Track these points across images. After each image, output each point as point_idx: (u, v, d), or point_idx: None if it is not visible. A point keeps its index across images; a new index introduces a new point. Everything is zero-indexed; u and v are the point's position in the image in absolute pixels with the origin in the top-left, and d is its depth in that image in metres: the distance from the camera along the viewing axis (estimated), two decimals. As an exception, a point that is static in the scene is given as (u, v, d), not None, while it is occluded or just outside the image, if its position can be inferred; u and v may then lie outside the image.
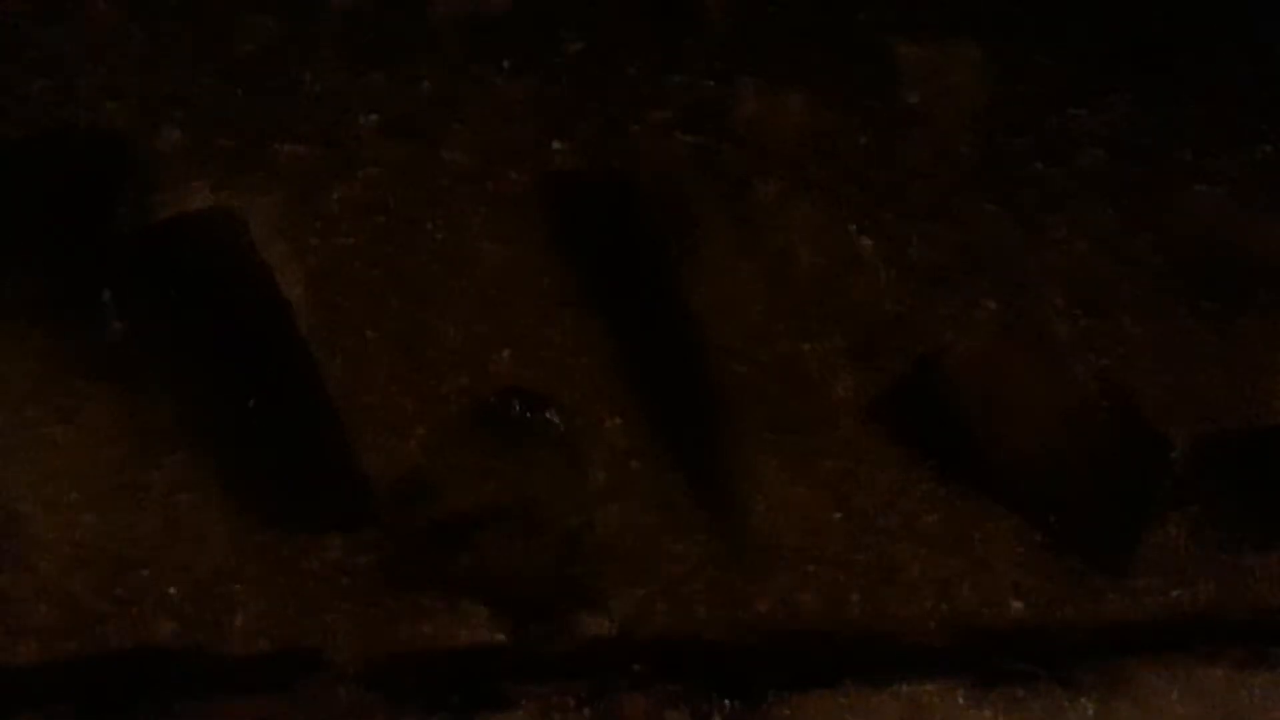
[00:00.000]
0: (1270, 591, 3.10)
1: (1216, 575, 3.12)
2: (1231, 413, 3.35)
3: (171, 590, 2.93)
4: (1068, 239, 3.58)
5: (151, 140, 3.46)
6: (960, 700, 2.81)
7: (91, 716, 2.71)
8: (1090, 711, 2.82)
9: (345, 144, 3.50)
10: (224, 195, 3.37)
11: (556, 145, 3.57)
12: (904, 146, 3.67)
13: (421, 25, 3.71)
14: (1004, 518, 3.16)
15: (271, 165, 3.44)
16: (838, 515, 3.13)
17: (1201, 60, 3.88)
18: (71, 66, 3.55)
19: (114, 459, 3.06)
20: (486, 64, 3.66)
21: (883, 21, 3.84)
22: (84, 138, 3.49)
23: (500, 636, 2.92)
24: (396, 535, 3.02)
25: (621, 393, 3.23)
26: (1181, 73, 3.85)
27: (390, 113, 3.56)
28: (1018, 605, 3.06)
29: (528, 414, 3.16)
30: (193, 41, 3.61)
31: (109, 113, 3.50)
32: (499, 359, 3.26)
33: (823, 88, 3.73)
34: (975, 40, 3.84)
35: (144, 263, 3.26)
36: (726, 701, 2.78)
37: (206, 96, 3.54)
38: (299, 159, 3.46)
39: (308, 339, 3.22)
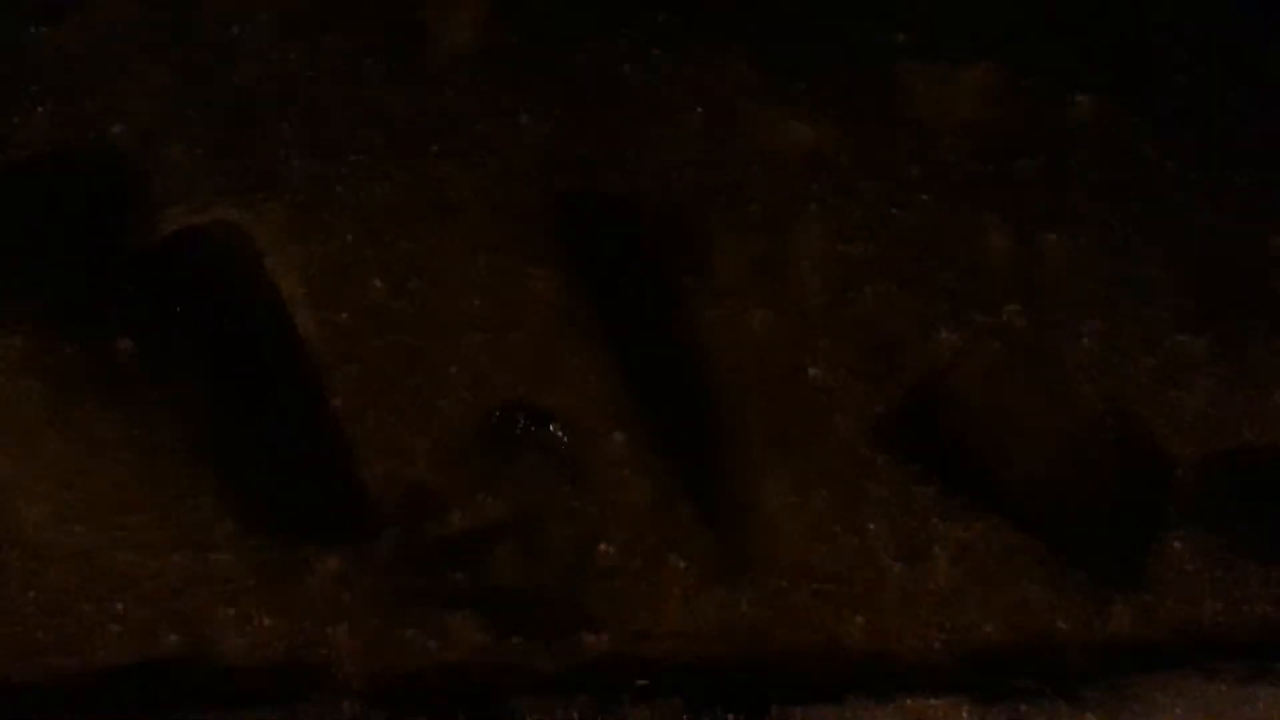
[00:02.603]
0: (1274, 608, 3.09)
1: (1221, 592, 3.11)
2: (1236, 432, 3.35)
3: (175, 605, 2.93)
4: (1072, 258, 3.58)
5: (156, 159, 3.47)
6: (964, 716, 2.81)
7: (92, 730, 2.70)
8: (1095, 727, 2.82)
9: (351, 160, 3.51)
10: (228, 211, 3.38)
11: (562, 164, 3.58)
12: (907, 165, 3.68)
13: (430, 46, 3.72)
14: (1009, 535, 3.15)
15: (276, 181, 3.46)
16: (842, 532, 3.13)
17: (1206, 81, 3.89)
18: (77, 90, 3.57)
19: (118, 473, 3.07)
20: (494, 83, 3.68)
21: (887, 40, 3.85)
22: (89, 157, 3.50)
23: (504, 652, 2.92)
24: (400, 550, 3.02)
25: (625, 409, 3.24)
26: (1186, 94, 3.85)
27: (397, 130, 3.57)
28: (1022, 622, 3.05)
29: (531, 429, 3.17)
30: (196, 61, 3.62)
31: (113, 133, 3.52)
32: (503, 375, 3.26)
33: (827, 106, 3.74)
34: (979, 58, 3.85)
35: (149, 278, 3.28)
36: (730, 716, 2.77)
37: (210, 114, 3.55)
38: (304, 175, 3.48)
39: (311, 354, 3.23)
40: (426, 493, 3.09)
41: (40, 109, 3.54)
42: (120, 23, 3.66)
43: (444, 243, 3.44)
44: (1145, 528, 3.20)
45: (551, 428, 3.18)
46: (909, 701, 2.81)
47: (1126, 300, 3.52)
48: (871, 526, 3.14)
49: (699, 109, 3.71)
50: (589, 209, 3.54)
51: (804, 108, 3.72)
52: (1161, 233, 3.62)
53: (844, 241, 3.52)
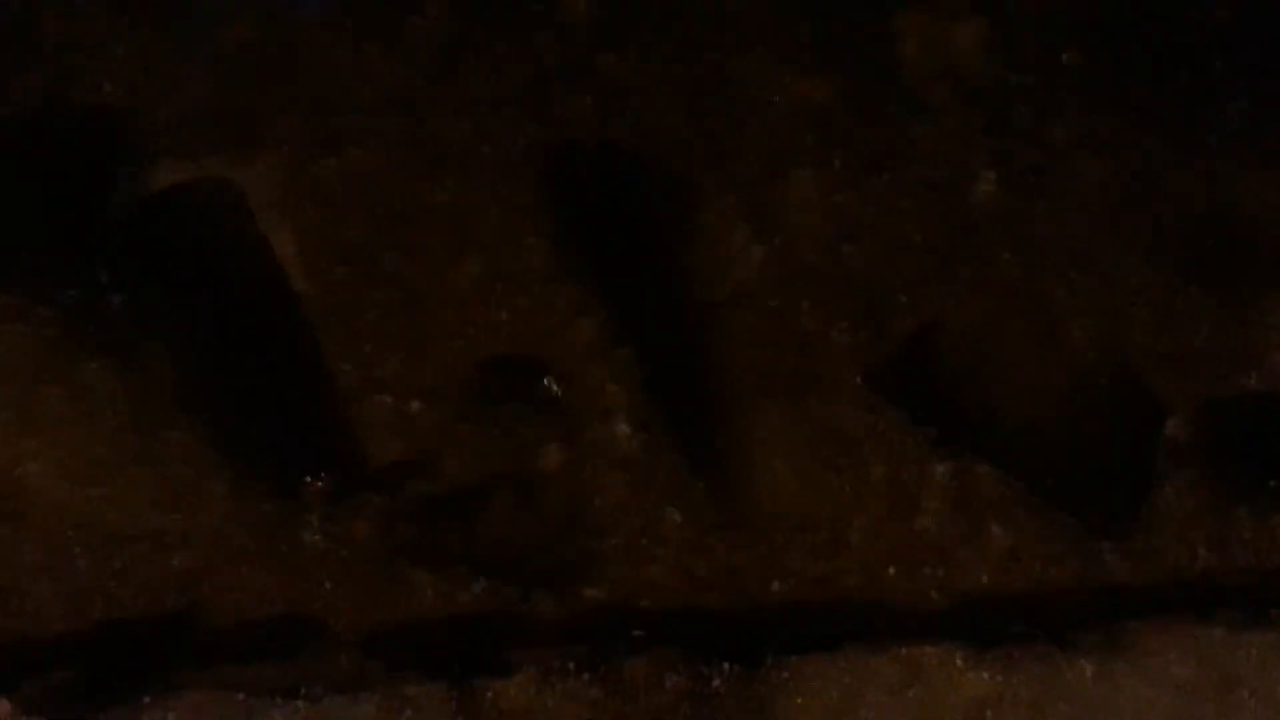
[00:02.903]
0: (1267, 553, 3.11)
1: (1214, 538, 3.12)
2: (1229, 377, 3.36)
3: (173, 561, 2.94)
4: (1065, 207, 3.58)
5: (146, 116, 3.47)
6: (959, 663, 2.81)
7: (94, 686, 2.71)
8: (1088, 673, 2.82)
9: (341, 113, 3.50)
10: (220, 167, 3.37)
11: (554, 116, 3.57)
12: (901, 115, 3.67)
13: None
14: (1003, 483, 3.16)
15: (267, 136, 3.45)
16: (836, 481, 3.14)
17: (1200, 27, 3.87)
18: (67, 47, 3.55)
19: (114, 431, 3.07)
20: (484, 33, 3.66)
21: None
22: (80, 116, 3.50)
23: (500, 604, 2.93)
24: (395, 504, 3.02)
25: (620, 359, 3.24)
26: (1179, 40, 3.84)
27: (386, 81, 3.56)
28: (1016, 568, 3.06)
29: (525, 382, 3.17)
30: (186, 18, 3.61)
31: (104, 90, 3.51)
32: (497, 326, 3.27)
33: (819, 57, 3.73)
34: (972, 9, 3.84)
35: (140, 235, 3.27)
36: (726, 665, 2.78)
37: (201, 71, 3.54)
38: (294, 129, 3.47)
39: (304, 309, 3.23)
40: (421, 446, 3.10)
41: (30, 67, 3.53)
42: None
43: (435, 196, 3.44)
44: (1139, 475, 3.21)
45: (545, 380, 3.18)
46: (903, 650, 2.81)
47: (1119, 249, 3.52)
48: (866, 476, 3.15)
49: (691, 60, 3.70)
50: (581, 160, 3.53)
51: (796, 59, 3.71)
52: (1154, 182, 3.62)
53: (836, 192, 3.52)
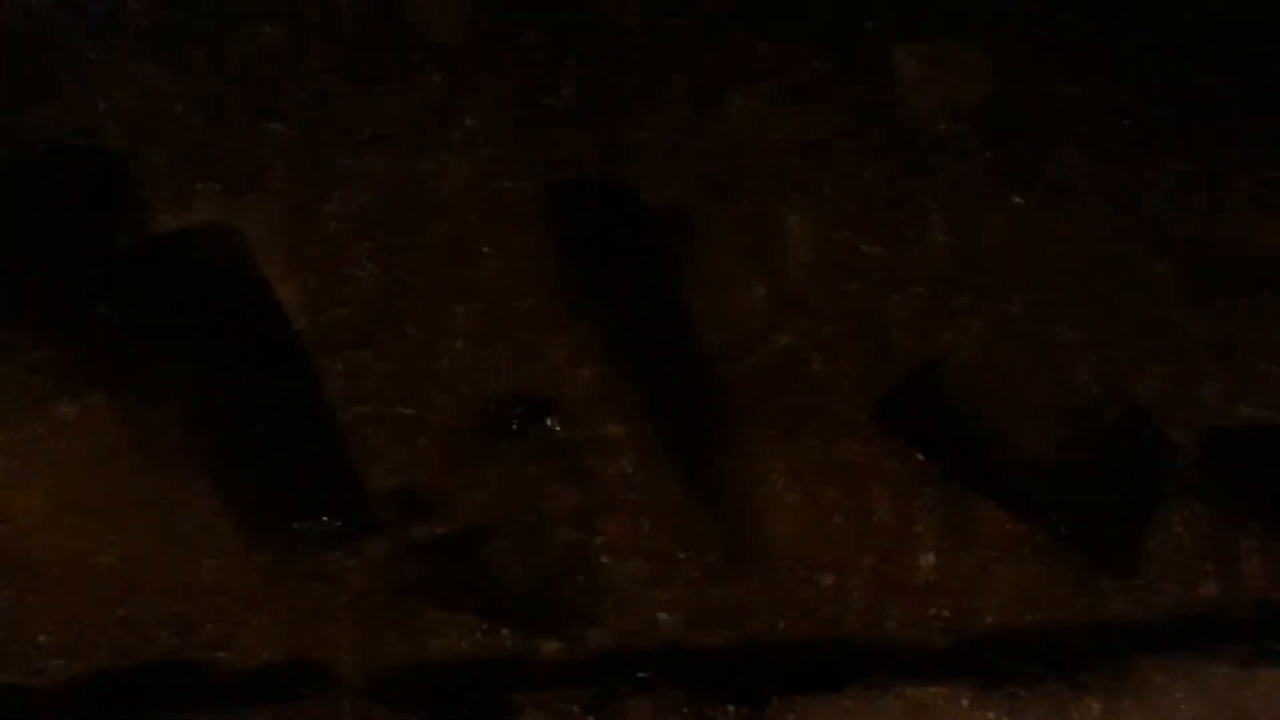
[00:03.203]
0: (1273, 588, 3.10)
1: (1220, 573, 3.11)
2: (1232, 411, 3.35)
3: (175, 606, 2.93)
4: (1068, 240, 3.57)
5: (147, 159, 3.47)
6: (965, 703, 2.81)
7: (95, 732, 2.71)
8: (1096, 711, 2.82)
9: (345, 155, 3.50)
10: (220, 211, 3.38)
11: (554, 155, 3.57)
12: (902, 150, 3.67)
13: (423, 37, 3.71)
14: (1008, 519, 3.16)
15: (269, 178, 3.45)
16: (841, 520, 3.13)
17: (1193, 62, 3.88)
18: (67, 90, 3.56)
19: (116, 476, 3.06)
20: (485, 78, 3.67)
21: (882, 26, 3.84)
22: (84, 158, 3.50)
23: (504, 646, 2.92)
24: (399, 546, 3.02)
25: (623, 399, 3.24)
26: (1174, 76, 3.85)
27: (386, 124, 3.57)
28: (1022, 607, 3.06)
29: (528, 422, 3.17)
30: (186, 60, 3.62)
31: (105, 133, 3.51)
32: (500, 367, 3.26)
33: (819, 93, 3.73)
34: (974, 44, 3.84)
35: (144, 279, 3.27)
36: (731, 707, 2.78)
37: (201, 114, 3.55)
38: (295, 173, 3.47)
39: (308, 351, 3.23)
40: (424, 487, 3.09)
41: (33, 109, 3.53)
42: (111, 21, 3.65)
43: (436, 237, 3.44)
44: (1143, 509, 3.20)
45: (548, 420, 3.18)
46: (909, 690, 2.81)
47: (1121, 281, 3.52)
48: (870, 514, 3.15)
49: (691, 97, 3.70)
50: (582, 200, 3.53)
51: (796, 94, 3.71)
52: (1155, 214, 3.62)
53: (838, 229, 3.52)
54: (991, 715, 2.79)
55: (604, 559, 3.05)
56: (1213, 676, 2.86)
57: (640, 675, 2.85)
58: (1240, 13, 3.94)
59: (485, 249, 3.43)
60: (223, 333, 3.23)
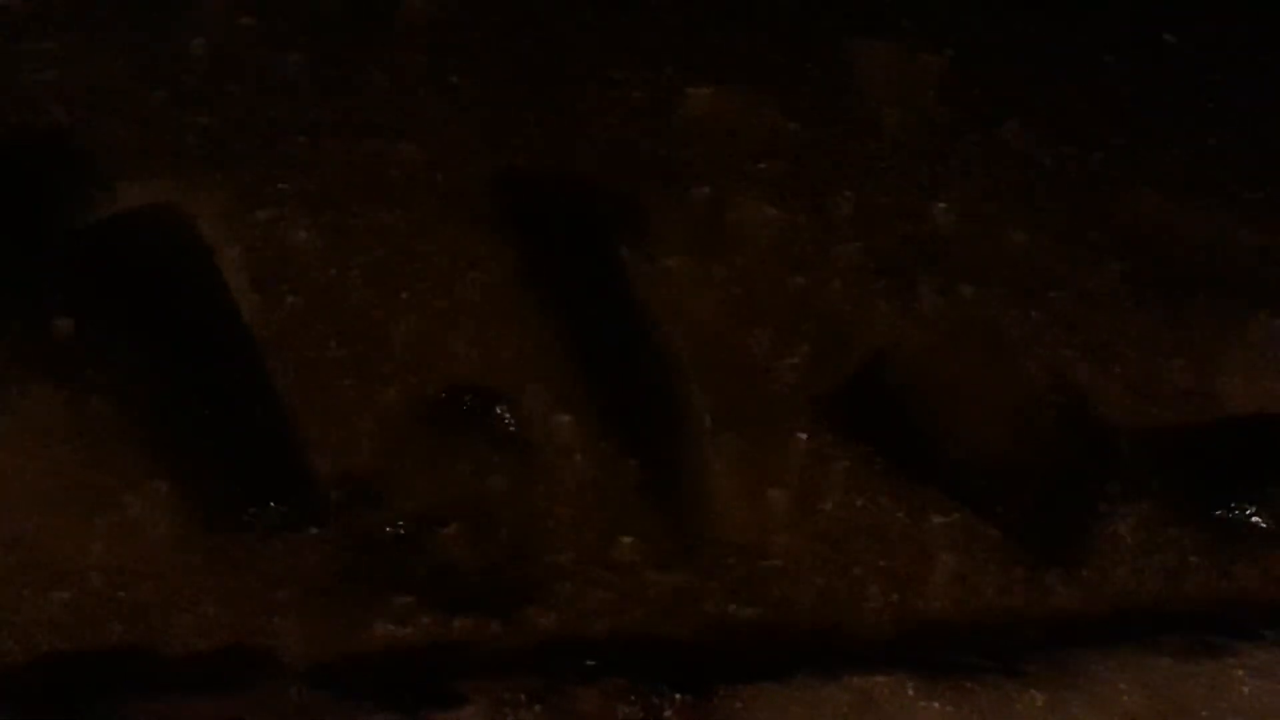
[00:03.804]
0: (1216, 581, 3.12)
1: (1163, 566, 3.14)
2: (1177, 405, 3.38)
3: (119, 593, 2.91)
4: (1017, 235, 3.60)
5: (97, 139, 3.45)
6: (910, 692, 2.81)
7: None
8: (1039, 702, 2.83)
9: (296, 139, 3.49)
10: (170, 192, 3.36)
11: (508, 142, 3.57)
12: (854, 145, 3.69)
13: (375, 24, 3.70)
14: (954, 511, 3.17)
15: (219, 161, 3.44)
16: (788, 510, 3.14)
17: (1142, 63, 3.92)
18: (17, 69, 3.53)
19: (61, 460, 3.04)
20: (437, 62, 3.66)
21: (837, 24, 3.86)
22: (29, 137, 3.47)
23: (450, 634, 2.91)
24: (346, 534, 3.00)
25: (573, 389, 3.24)
26: (1124, 76, 3.88)
27: (341, 108, 3.56)
28: (967, 598, 3.07)
29: (478, 410, 3.16)
30: (137, 40, 3.59)
31: (54, 113, 3.49)
32: (450, 355, 3.26)
33: (773, 87, 3.75)
34: (925, 37, 3.87)
35: (89, 260, 3.25)
36: (678, 695, 2.77)
37: (153, 94, 3.53)
38: (247, 154, 3.46)
39: (256, 337, 3.21)
40: (372, 475, 3.08)
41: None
42: (62, 1, 3.63)
43: (388, 222, 3.43)
44: (1087, 501, 3.22)
45: (498, 409, 3.17)
46: (855, 679, 2.80)
47: (1068, 275, 3.55)
48: (817, 504, 3.15)
49: (646, 87, 3.70)
50: (534, 187, 3.53)
51: (750, 86, 3.72)
52: (1105, 210, 3.64)
53: (790, 220, 3.53)
54: (936, 705, 2.80)
55: (552, 548, 3.04)
56: (1155, 668, 2.88)
57: (587, 663, 2.85)
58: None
59: (436, 237, 3.42)
60: (170, 317, 3.20)
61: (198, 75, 3.58)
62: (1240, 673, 2.87)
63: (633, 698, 2.78)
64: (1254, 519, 3.18)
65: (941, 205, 3.60)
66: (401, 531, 3.01)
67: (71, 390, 3.10)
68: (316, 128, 3.53)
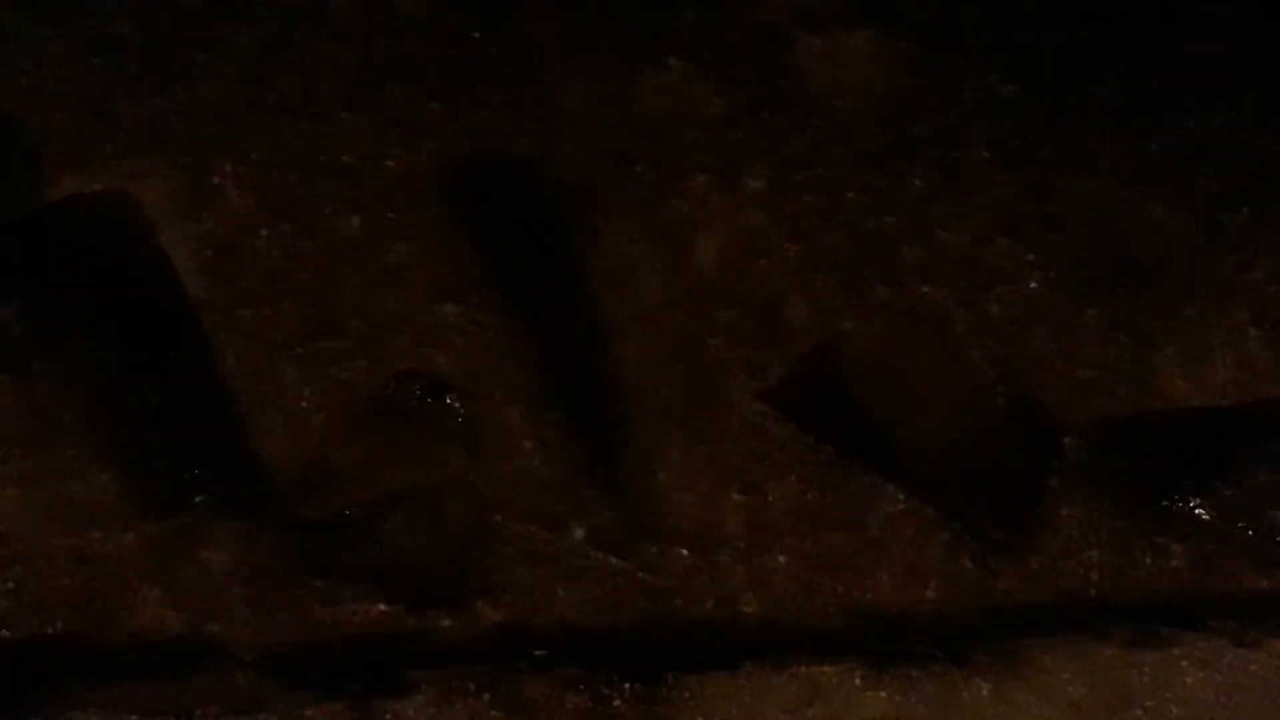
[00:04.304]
0: (1160, 573, 3.16)
1: (1108, 557, 3.17)
2: (1123, 398, 3.40)
3: (66, 579, 2.89)
4: (964, 227, 3.61)
5: (40, 123, 3.41)
6: (857, 681, 2.83)
7: (-17, 707, 2.66)
8: (985, 691, 2.85)
9: (242, 124, 3.47)
10: (116, 177, 3.33)
11: (458, 129, 3.56)
12: (803, 133, 3.69)
13: (324, 5, 3.68)
14: (901, 501, 3.19)
15: (165, 146, 3.41)
16: (738, 498, 3.15)
17: (1088, 48, 3.94)
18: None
19: (6, 446, 3.01)
20: (389, 45, 3.64)
21: (789, 12, 3.86)
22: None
23: (399, 622, 2.91)
24: (296, 521, 2.99)
25: (523, 378, 3.23)
26: (1071, 61, 3.90)
27: (289, 93, 3.53)
28: (914, 588, 3.09)
29: (428, 399, 3.15)
30: (82, 23, 3.56)
31: (1, 99, 3.45)
32: (400, 343, 3.25)
33: (724, 76, 3.74)
34: (875, 31, 3.87)
35: (35, 246, 3.21)
36: (627, 685, 2.78)
37: (96, 77, 3.49)
38: (193, 139, 3.43)
39: (204, 324, 3.19)
40: (320, 463, 3.07)
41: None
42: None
43: (338, 209, 3.41)
44: (1034, 493, 3.24)
45: (448, 398, 3.16)
46: (803, 669, 2.83)
47: (1016, 268, 3.56)
48: (767, 495, 3.17)
49: (595, 77, 3.70)
50: (485, 175, 3.52)
51: (700, 77, 3.72)
52: (1050, 201, 3.67)
53: (739, 211, 3.54)
54: (884, 694, 2.83)
55: (501, 537, 3.04)
56: (1099, 658, 2.91)
57: (536, 653, 2.85)
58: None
59: (386, 223, 3.41)
60: (118, 302, 3.18)
61: (140, 61, 3.54)
62: (1184, 663, 2.91)
63: (581, 687, 2.79)
64: (1197, 510, 3.21)
65: (891, 196, 3.61)
66: (350, 519, 3.00)
67: (17, 377, 3.07)
68: (264, 111, 3.50)
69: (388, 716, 2.71)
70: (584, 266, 3.38)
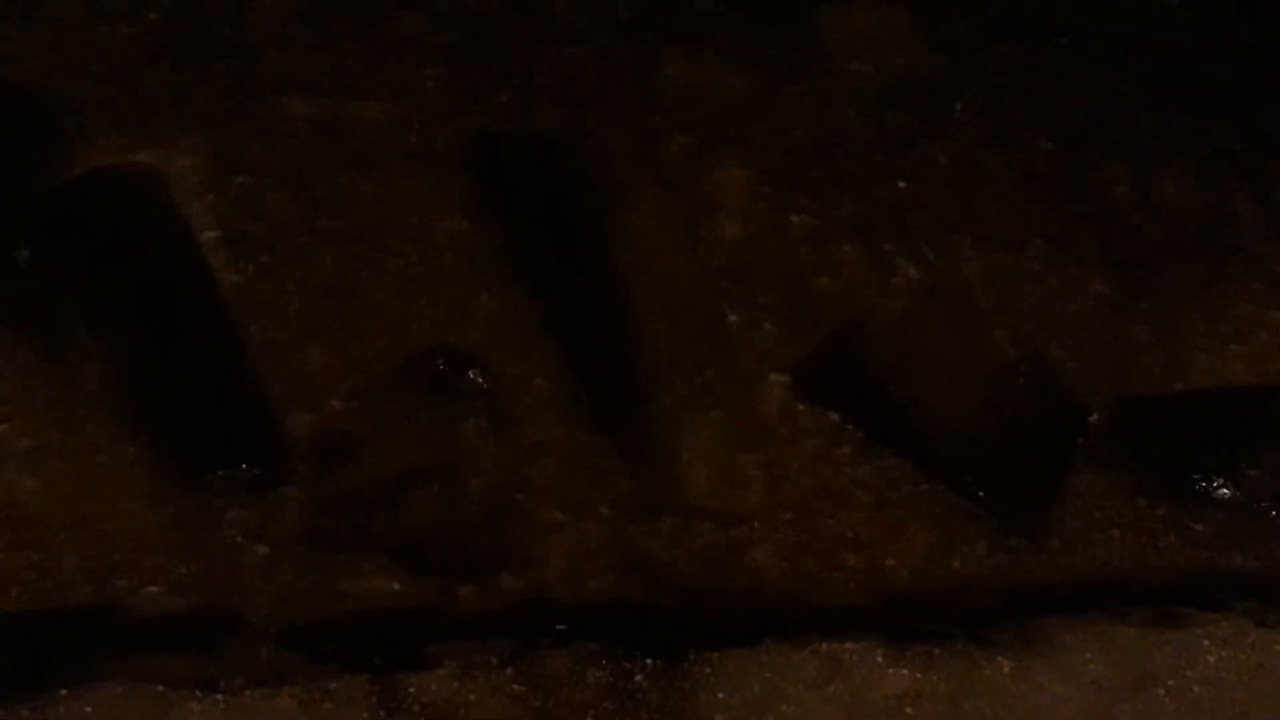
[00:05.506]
0: (1182, 552, 3.15)
1: (1130, 536, 3.16)
2: (1146, 376, 3.40)
3: (88, 553, 2.90)
4: (988, 206, 3.61)
5: (66, 97, 3.42)
6: (878, 659, 2.83)
7: (7, 679, 2.66)
8: (1006, 670, 2.85)
9: (267, 99, 3.47)
10: (141, 151, 3.33)
11: (481, 105, 3.56)
12: (827, 111, 3.69)
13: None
14: (923, 480, 3.19)
15: (191, 121, 3.42)
16: (761, 476, 3.15)
17: (1110, 28, 3.93)
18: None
19: (31, 421, 3.02)
20: (410, 22, 3.64)
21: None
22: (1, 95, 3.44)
23: (422, 596, 2.92)
24: (318, 495, 3.00)
25: (546, 352, 3.23)
26: (1106, 32, 3.89)
27: (312, 69, 3.53)
28: (935, 566, 3.09)
29: (452, 373, 3.16)
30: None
31: (23, 70, 3.45)
32: (423, 318, 3.25)
33: (748, 52, 3.74)
34: (899, 8, 3.86)
35: (62, 220, 3.22)
36: (648, 660, 2.78)
37: (123, 52, 3.50)
38: (219, 115, 3.44)
39: (228, 298, 3.20)
40: (343, 437, 3.08)
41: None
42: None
43: (362, 184, 3.42)
44: (1056, 471, 3.24)
45: (471, 372, 3.16)
46: (824, 645, 2.82)
47: (1039, 246, 3.56)
48: (788, 472, 3.16)
49: (621, 52, 3.69)
50: (508, 151, 3.52)
51: (727, 51, 3.72)
52: (1073, 179, 3.66)
53: (763, 187, 3.53)
54: (905, 671, 2.82)
55: (524, 512, 3.05)
56: (1121, 637, 2.90)
57: (558, 628, 2.86)
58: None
59: (409, 199, 3.41)
60: (141, 276, 3.18)
61: (167, 36, 3.55)
62: (1206, 643, 2.90)
63: (604, 662, 2.79)
64: (1221, 490, 3.21)
65: (914, 174, 3.61)
66: (373, 493, 3.01)
67: (42, 351, 3.08)
68: (285, 87, 3.51)
69: (409, 690, 2.72)
70: (606, 242, 3.37)
